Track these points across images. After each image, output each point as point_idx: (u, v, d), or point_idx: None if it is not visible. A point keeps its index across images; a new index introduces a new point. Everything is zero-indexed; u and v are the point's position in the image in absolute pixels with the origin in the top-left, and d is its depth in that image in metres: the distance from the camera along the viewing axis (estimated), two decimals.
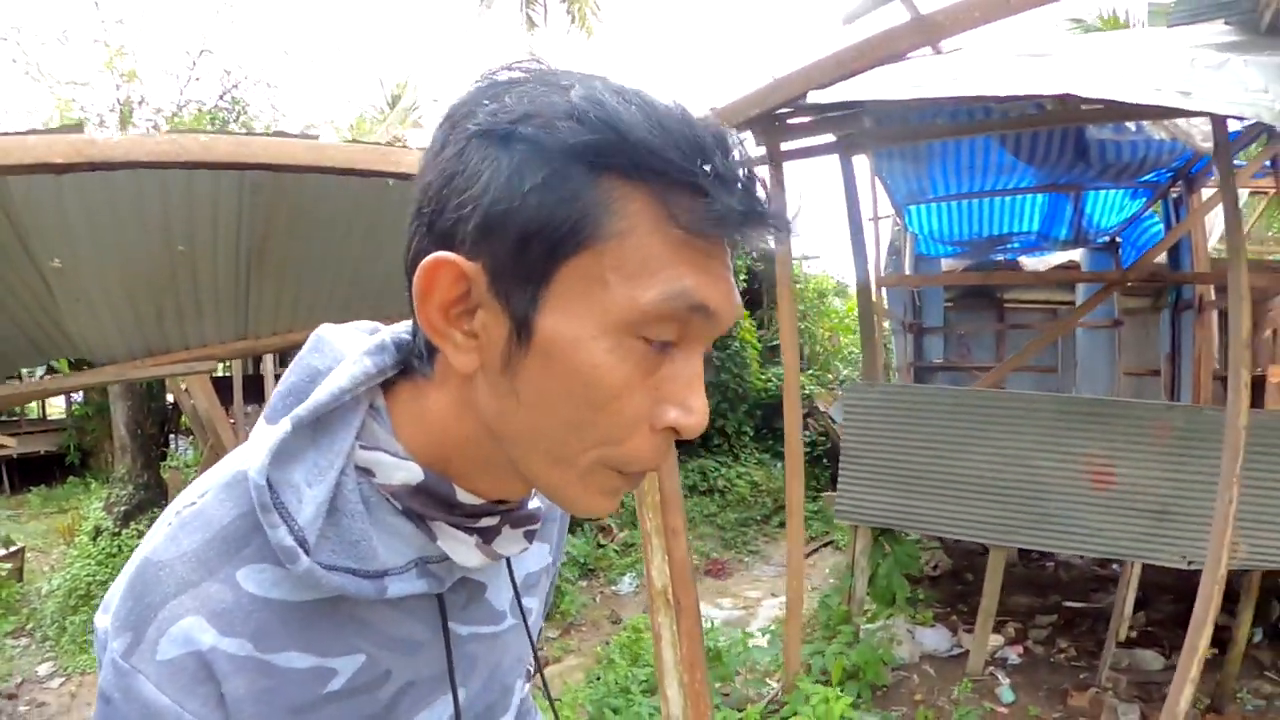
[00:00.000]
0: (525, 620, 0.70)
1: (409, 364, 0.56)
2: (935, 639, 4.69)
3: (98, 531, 7.43)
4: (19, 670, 5.58)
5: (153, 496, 7.54)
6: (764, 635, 4.90)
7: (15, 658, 5.77)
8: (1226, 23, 3.24)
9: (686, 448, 8.81)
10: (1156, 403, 5.37)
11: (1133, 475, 3.80)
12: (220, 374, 8.42)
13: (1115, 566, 5.15)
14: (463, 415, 0.54)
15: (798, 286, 10.60)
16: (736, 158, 0.47)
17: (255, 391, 7.01)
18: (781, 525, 6.73)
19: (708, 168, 0.45)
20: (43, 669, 5.64)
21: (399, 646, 0.57)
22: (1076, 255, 7.74)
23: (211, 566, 0.50)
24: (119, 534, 7.23)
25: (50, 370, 6.51)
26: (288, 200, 3.05)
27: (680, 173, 0.44)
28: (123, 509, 7.49)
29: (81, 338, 3.60)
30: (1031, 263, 8.03)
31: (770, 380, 10.63)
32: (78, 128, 3.06)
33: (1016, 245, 7.30)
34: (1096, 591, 5.48)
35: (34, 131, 2.32)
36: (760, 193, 0.47)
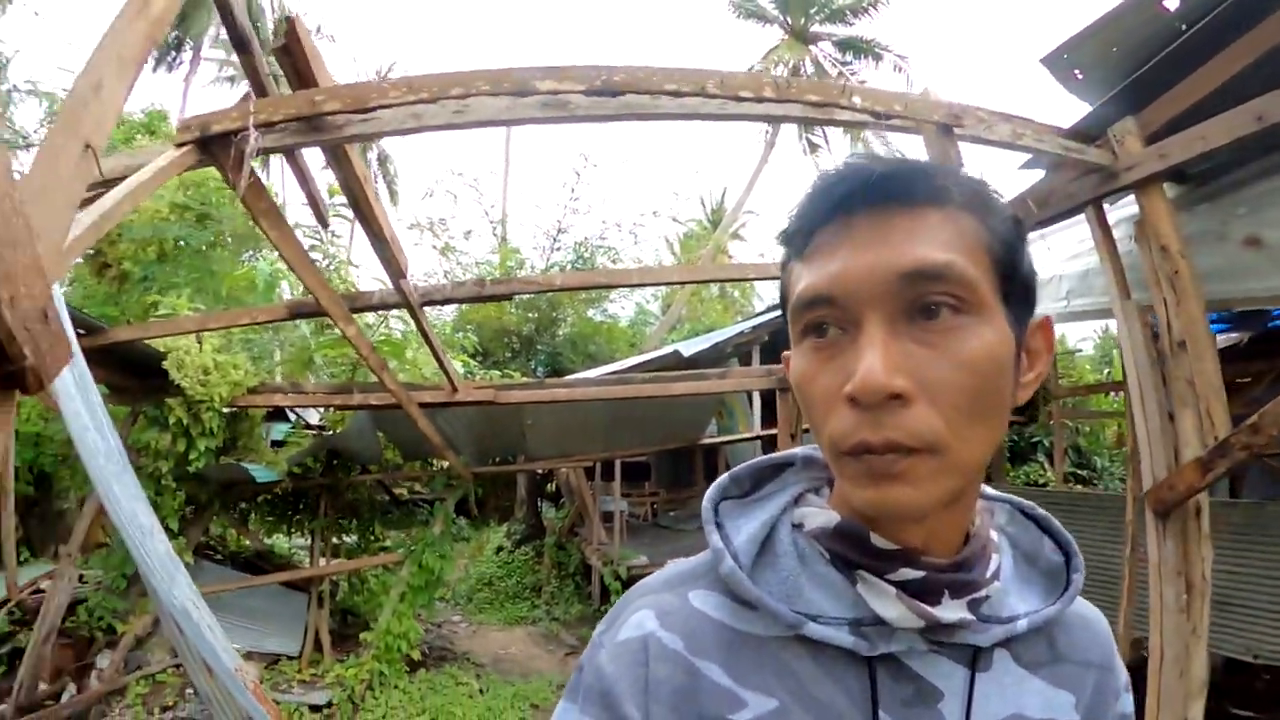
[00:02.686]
0: None
1: None
2: None
3: (498, 549, 11.88)
4: (442, 615, 9.67)
5: (534, 532, 11.78)
6: None
7: (441, 610, 9.87)
8: None
9: None
10: (1214, 499, 5.64)
11: None
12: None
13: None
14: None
15: (1063, 381, 9.66)
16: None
17: (604, 473, 10.10)
18: None
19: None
20: (455, 617, 9.82)
21: (814, 708, 0.58)
22: None
23: (672, 585, 0.65)
24: (513, 551, 11.60)
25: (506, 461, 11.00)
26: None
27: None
28: (516, 537, 11.89)
29: (532, 449, 7.35)
30: None
31: (1020, 478, 10.77)
32: (548, 381, 6.79)
33: None
34: None
35: (524, 386, 5.89)
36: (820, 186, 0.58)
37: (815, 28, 21.22)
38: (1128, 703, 0.69)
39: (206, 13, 21.44)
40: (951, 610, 0.58)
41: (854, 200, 0.55)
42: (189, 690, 5.83)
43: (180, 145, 2.25)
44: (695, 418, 6.86)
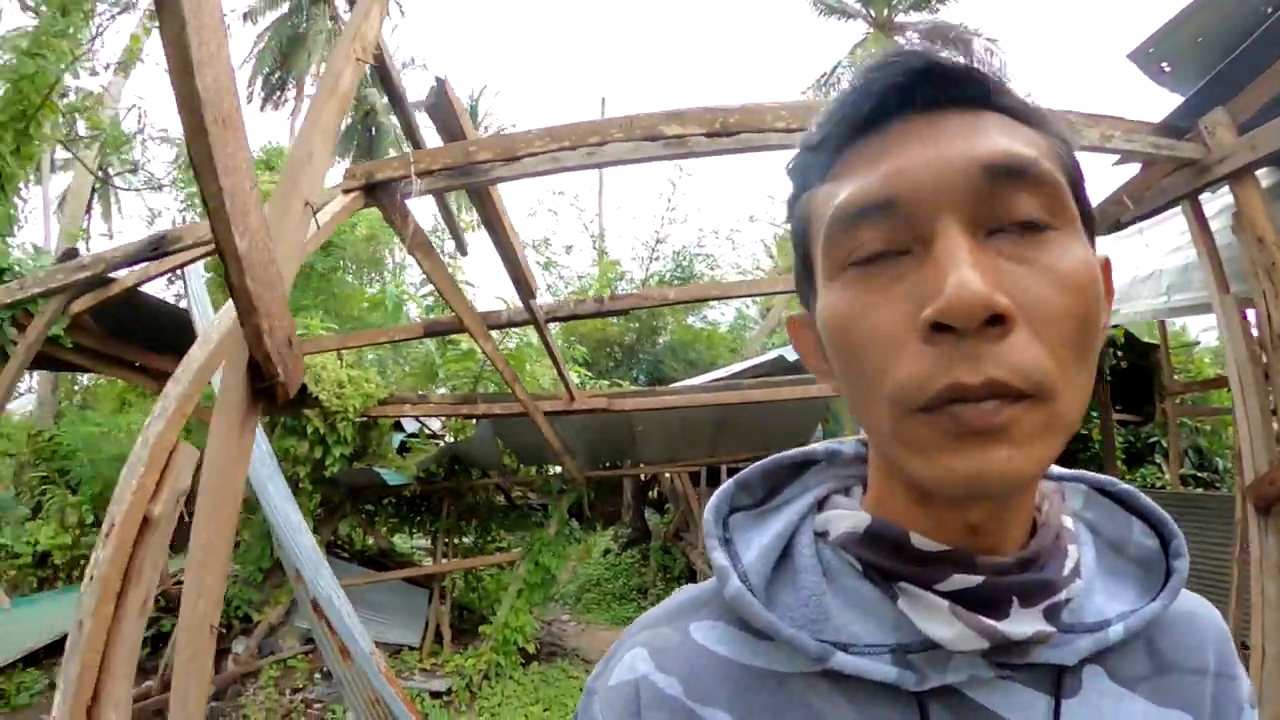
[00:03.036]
0: None
1: None
2: None
3: (605, 552, 12.27)
4: (552, 614, 10.04)
5: (640, 536, 12.11)
6: None
7: (551, 609, 10.20)
8: None
9: None
10: None
11: None
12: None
13: None
14: (873, 448, 0.53)
15: (1179, 376, 9.05)
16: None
17: (710, 478, 10.56)
18: None
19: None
20: (564, 616, 10.20)
21: None
22: None
23: (672, 616, 0.54)
24: (620, 555, 11.99)
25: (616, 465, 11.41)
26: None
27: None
28: (623, 541, 12.27)
29: (641, 454, 7.65)
30: None
31: (1136, 481, 9.80)
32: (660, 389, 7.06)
33: None
34: None
35: (650, 393, 6.16)
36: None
37: (900, 18, 20.82)
38: (1235, 690, 0.54)
39: (306, 54, 22.87)
40: (1024, 623, 0.45)
41: (901, 101, 0.44)
42: (317, 674, 6.45)
43: (348, 191, 2.62)
44: (800, 423, 6.95)
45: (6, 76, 6.48)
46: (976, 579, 0.46)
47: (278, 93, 25.32)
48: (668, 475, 8.84)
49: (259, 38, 24.28)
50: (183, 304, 5.81)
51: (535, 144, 2.30)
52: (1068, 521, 0.53)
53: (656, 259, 15.24)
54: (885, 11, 20.68)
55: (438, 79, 2.59)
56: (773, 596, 0.51)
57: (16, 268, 4.24)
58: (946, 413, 0.40)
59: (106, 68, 8.34)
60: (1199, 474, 9.03)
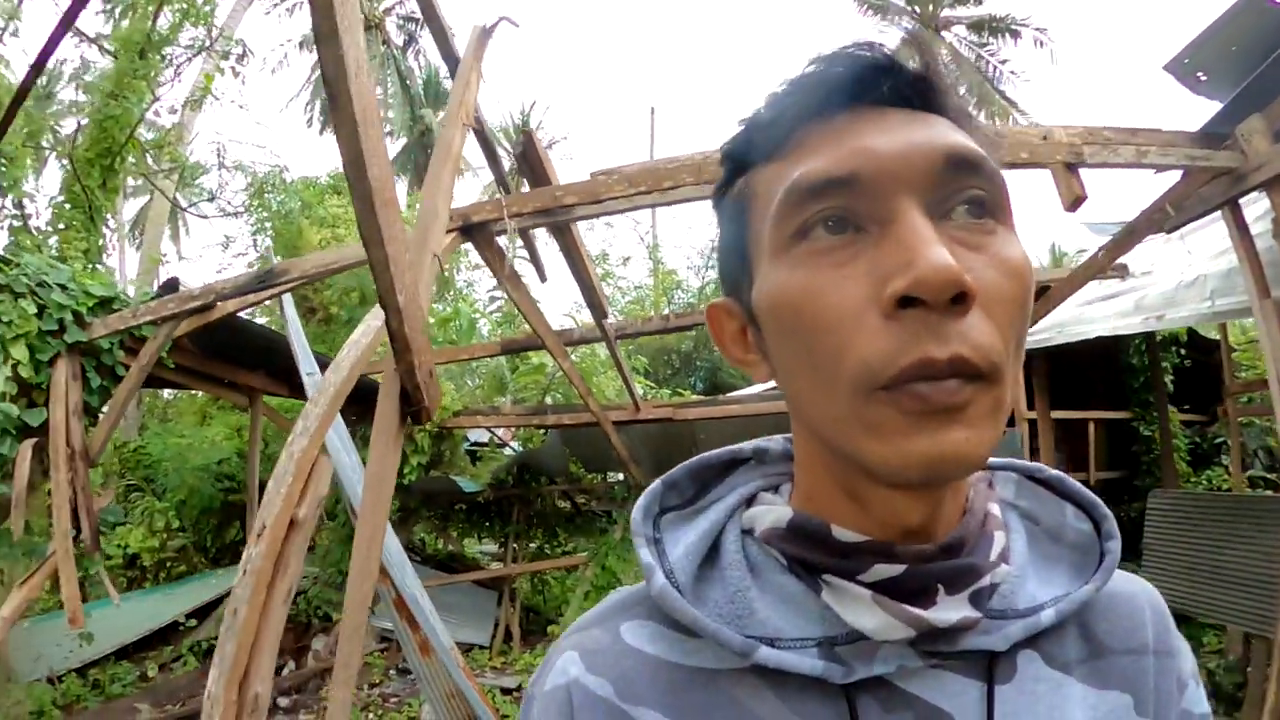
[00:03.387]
0: None
1: None
2: None
3: None
4: None
5: None
6: None
7: None
8: None
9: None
10: None
11: None
12: None
13: None
14: (798, 433, 0.52)
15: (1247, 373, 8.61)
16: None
17: None
18: None
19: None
20: None
21: None
22: None
23: (603, 618, 0.55)
24: None
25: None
26: None
27: None
28: None
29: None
30: None
31: (1201, 483, 9.25)
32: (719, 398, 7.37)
33: None
34: None
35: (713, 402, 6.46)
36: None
37: (945, 12, 20.65)
38: (1199, 698, 0.54)
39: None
40: (950, 609, 0.45)
41: (859, 91, 0.45)
42: (392, 670, 6.89)
43: (449, 232, 3.00)
44: None
45: (93, 118, 7.13)
46: (899, 568, 0.46)
47: None
48: None
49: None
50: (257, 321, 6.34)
51: (615, 189, 2.64)
52: (995, 509, 0.53)
53: (712, 267, 15.50)
54: (930, 7, 20.58)
55: (525, 132, 2.96)
56: (701, 594, 0.51)
57: (123, 296, 4.74)
58: (908, 391, 0.39)
59: (183, 105, 9.00)
60: (1269, 475, 8.78)
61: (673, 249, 16.54)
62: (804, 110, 0.46)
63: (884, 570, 0.46)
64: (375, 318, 2.41)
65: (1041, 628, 0.48)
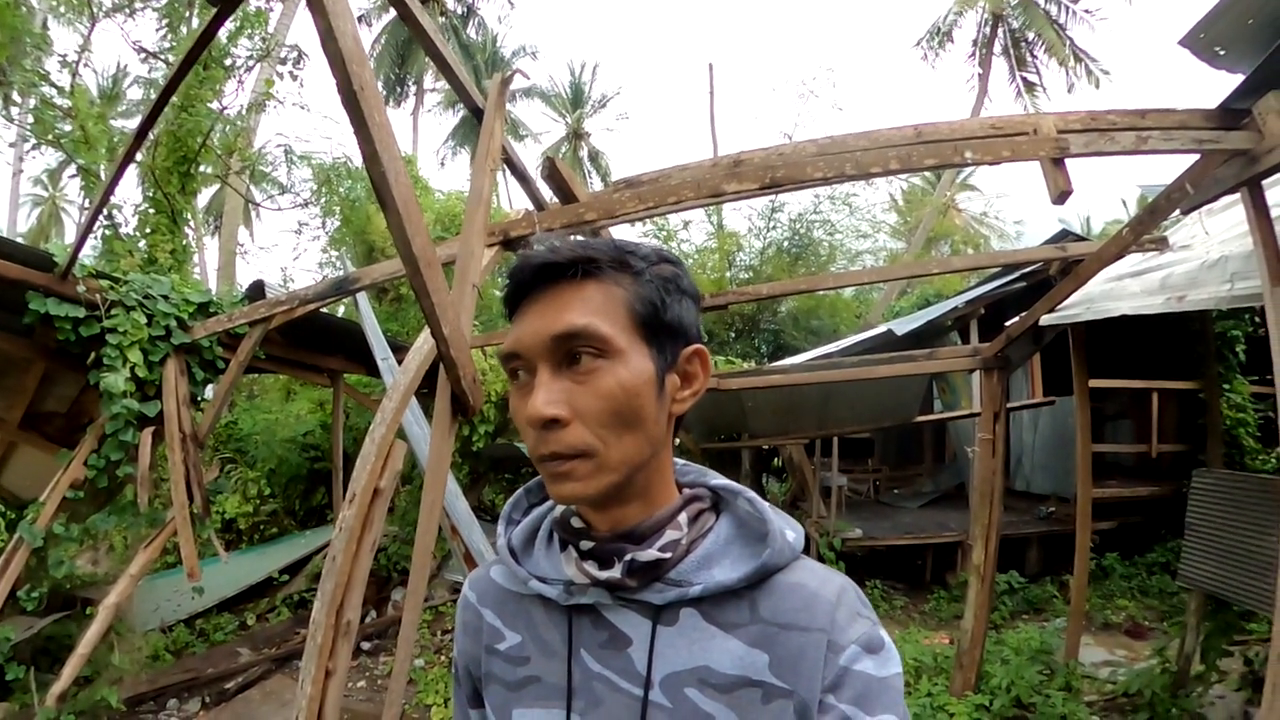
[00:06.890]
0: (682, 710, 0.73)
1: None
2: None
3: None
4: None
5: None
6: None
7: None
8: None
9: None
10: None
11: None
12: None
13: None
14: None
15: None
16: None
17: (824, 450, 10.24)
18: None
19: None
20: None
21: (540, 645, 0.82)
22: None
23: (489, 565, 0.95)
24: None
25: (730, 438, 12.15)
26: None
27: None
28: None
29: (752, 427, 8.46)
30: None
31: (1270, 462, 8.62)
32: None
33: None
34: None
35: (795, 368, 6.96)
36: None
37: None
38: (860, 659, 0.71)
39: (421, 53, 24.30)
40: (612, 571, 0.76)
41: (535, 281, 0.74)
42: None
43: (490, 245, 3.58)
44: (902, 400, 7.36)
45: (166, 129, 8.01)
46: (591, 544, 0.78)
47: (398, 89, 27.20)
48: (787, 447, 9.55)
49: (375, 42, 26.15)
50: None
51: (628, 205, 3.16)
52: (682, 516, 0.79)
53: (774, 228, 15.74)
54: None
55: (549, 159, 3.50)
56: (525, 552, 0.87)
57: (216, 300, 5.55)
58: (545, 464, 0.73)
59: (246, 110, 9.87)
60: None
61: (734, 210, 16.63)
62: (510, 299, 0.78)
63: (585, 545, 0.79)
64: None
65: (690, 597, 0.75)
